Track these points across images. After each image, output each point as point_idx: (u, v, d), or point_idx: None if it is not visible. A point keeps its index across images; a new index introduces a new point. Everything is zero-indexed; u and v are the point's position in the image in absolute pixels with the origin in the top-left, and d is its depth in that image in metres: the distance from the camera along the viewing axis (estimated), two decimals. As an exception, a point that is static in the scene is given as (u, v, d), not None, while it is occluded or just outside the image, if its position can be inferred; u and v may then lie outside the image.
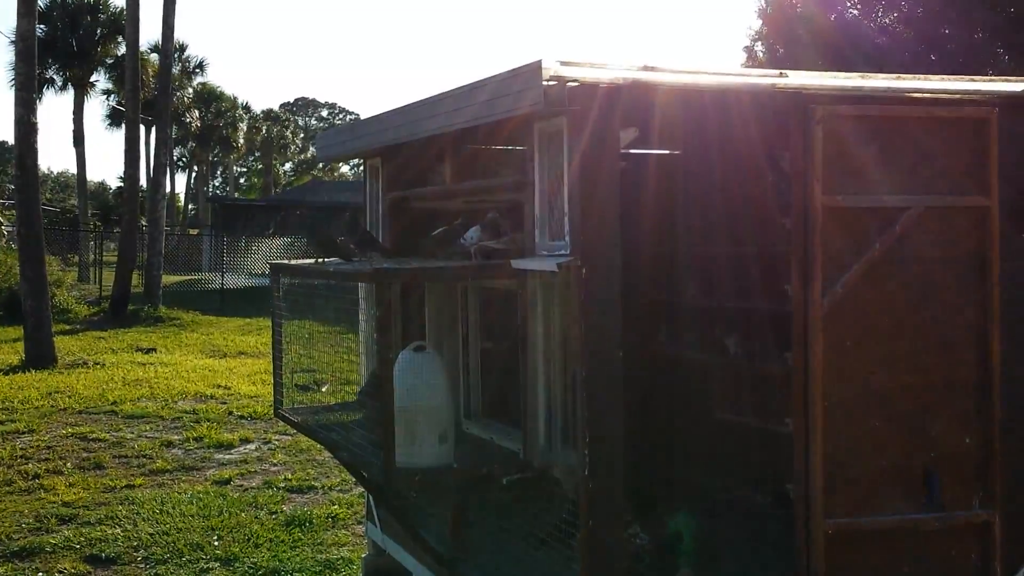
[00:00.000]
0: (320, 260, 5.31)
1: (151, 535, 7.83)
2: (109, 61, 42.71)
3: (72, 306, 26.79)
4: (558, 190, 4.33)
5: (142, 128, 37.19)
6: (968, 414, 4.70)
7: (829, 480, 4.52)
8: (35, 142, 16.54)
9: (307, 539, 7.74)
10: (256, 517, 8.35)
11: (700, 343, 6.48)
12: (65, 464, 10.35)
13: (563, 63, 3.96)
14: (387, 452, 4.20)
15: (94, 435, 11.72)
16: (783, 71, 4.41)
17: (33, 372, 16.14)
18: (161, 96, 27.97)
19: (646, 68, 4.16)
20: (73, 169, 41.31)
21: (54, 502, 8.89)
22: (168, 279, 33.50)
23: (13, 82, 16.24)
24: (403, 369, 4.40)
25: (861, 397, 4.58)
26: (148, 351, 19.92)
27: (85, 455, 10.79)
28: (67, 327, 23.95)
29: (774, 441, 5.72)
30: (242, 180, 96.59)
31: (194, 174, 74.52)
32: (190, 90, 60.12)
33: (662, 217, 6.67)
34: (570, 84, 3.98)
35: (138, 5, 26.21)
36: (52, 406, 13.42)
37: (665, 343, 6.66)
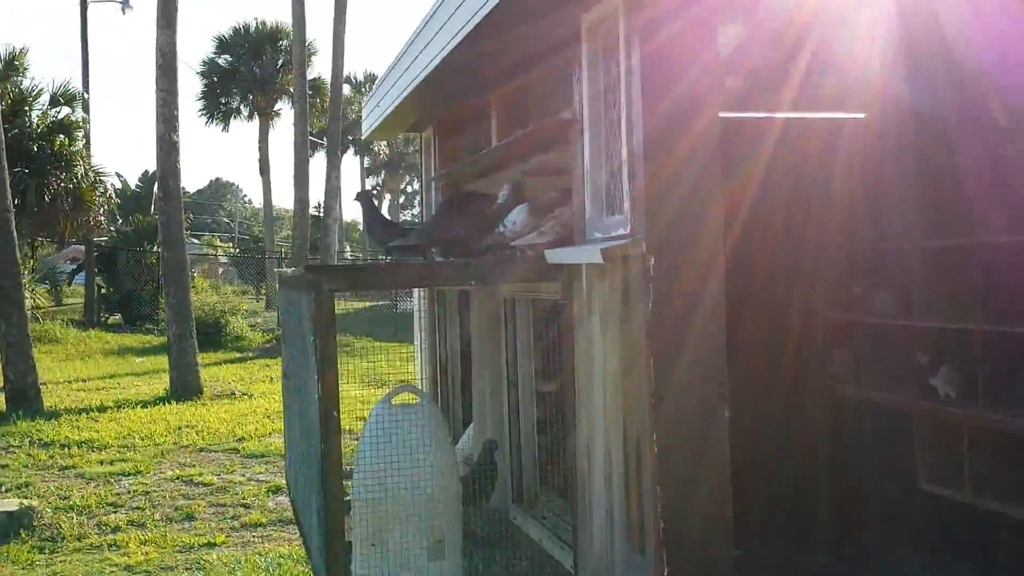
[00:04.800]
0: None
1: (198, 616, 6.37)
2: (292, 90, 43.08)
3: (246, 333, 26.41)
4: (618, 131, 2.51)
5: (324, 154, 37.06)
6: None
7: None
8: (177, 162, 15.80)
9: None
10: (333, 592, 6.75)
11: (894, 381, 4.47)
12: (153, 514, 9.12)
13: None
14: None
15: (201, 478, 10.51)
16: None
17: (174, 404, 15.31)
18: (331, 119, 27.39)
19: None
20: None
21: (117, 564, 7.60)
22: (355, 304, 32.89)
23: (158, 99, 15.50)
24: (374, 434, 2.66)
25: None
26: (307, 380, 18.96)
27: (181, 502, 9.55)
28: (237, 355, 23.49)
29: (1018, 532, 3.70)
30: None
31: (387, 203, 75.40)
32: (379, 118, 60.46)
33: (822, 190, 4.71)
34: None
35: (304, 26, 25.70)
36: (174, 442, 12.39)
37: (838, 380, 4.67)
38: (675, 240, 2.29)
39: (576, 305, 2.70)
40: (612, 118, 2.53)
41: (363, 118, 5.39)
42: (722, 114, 2.51)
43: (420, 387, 4.25)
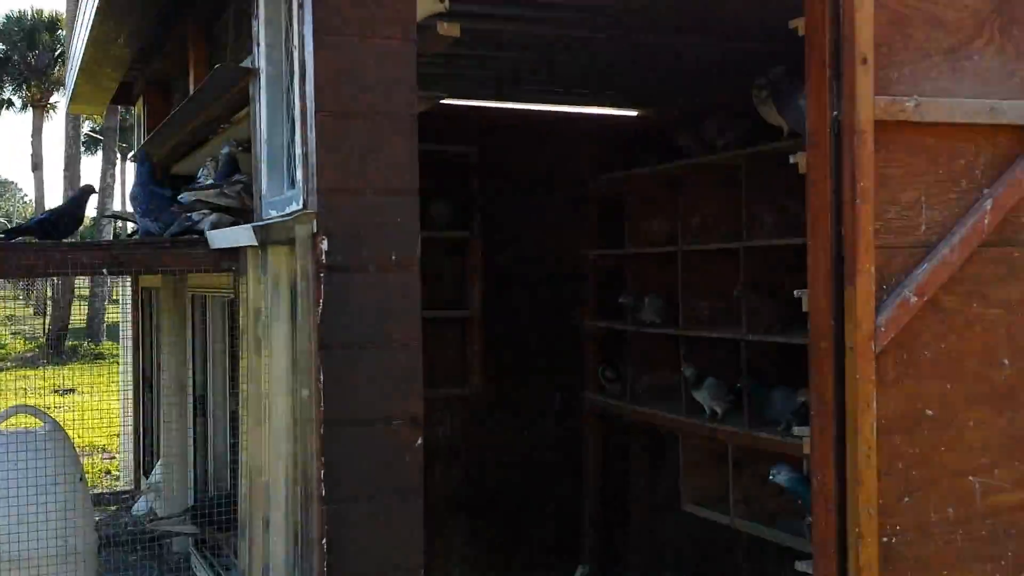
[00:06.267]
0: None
1: None
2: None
3: (5, 341, 24.41)
4: (294, 81, 1.98)
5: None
6: None
7: None
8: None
9: None
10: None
11: (660, 395, 4.13)
12: None
13: None
14: None
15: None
16: None
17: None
18: (109, 113, 25.70)
19: None
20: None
21: None
22: (127, 312, 31.08)
23: None
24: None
25: (956, 502, 2.22)
26: (65, 392, 17.54)
27: None
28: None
29: (777, 558, 3.41)
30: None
31: (178, 204, 72.51)
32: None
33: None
34: None
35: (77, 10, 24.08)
36: None
37: (604, 393, 4.29)
38: (357, 219, 1.77)
39: (250, 301, 2.15)
40: (291, 66, 2.00)
41: (65, 87, 4.65)
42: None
43: (126, 408, 3.57)
